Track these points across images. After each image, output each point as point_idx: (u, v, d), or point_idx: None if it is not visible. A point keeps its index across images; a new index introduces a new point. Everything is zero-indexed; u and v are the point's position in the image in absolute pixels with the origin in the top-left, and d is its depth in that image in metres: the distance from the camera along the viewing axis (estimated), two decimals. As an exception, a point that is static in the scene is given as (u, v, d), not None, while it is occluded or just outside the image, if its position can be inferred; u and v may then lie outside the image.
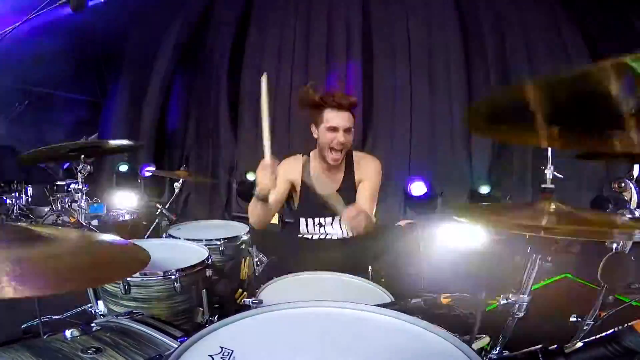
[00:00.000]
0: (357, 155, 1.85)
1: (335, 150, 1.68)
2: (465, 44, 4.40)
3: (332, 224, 1.81)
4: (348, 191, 1.76)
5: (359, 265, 1.59)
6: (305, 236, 1.87)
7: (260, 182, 1.46)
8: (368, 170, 1.81)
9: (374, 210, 1.82)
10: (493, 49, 4.34)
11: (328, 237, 1.83)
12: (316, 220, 1.81)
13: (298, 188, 1.85)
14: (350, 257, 1.66)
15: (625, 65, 0.64)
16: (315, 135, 1.77)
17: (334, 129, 1.67)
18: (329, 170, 1.81)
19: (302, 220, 1.85)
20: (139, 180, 4.65)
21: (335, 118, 1.67)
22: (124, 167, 4.78)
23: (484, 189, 3.98)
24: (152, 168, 4.63)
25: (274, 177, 1.43)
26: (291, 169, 1.84)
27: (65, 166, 4.67)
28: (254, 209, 1.63)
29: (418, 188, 3.94)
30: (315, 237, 1.85)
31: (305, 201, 1.83)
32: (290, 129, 4.76)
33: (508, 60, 4.28)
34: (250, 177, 4.48)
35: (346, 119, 1.67)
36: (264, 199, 1.54)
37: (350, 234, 1.81)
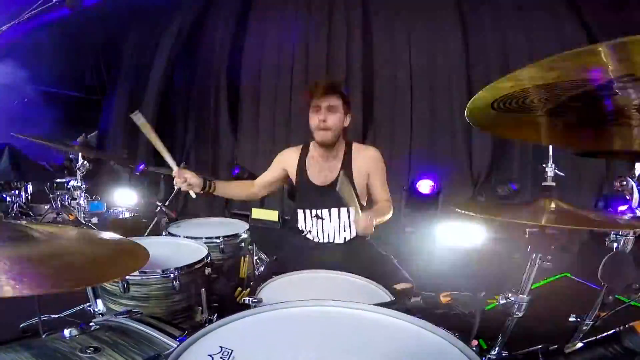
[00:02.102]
0: (356, 146, 1.86)
1: (320, 128, 1.74)
2: (465, 42, 4.40)
3: (329, 216, 1.80)
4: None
5: (360, 269, 1.57)
6: (306, 236, 1.86)
7: (182, 189, 1.78)
8: (369, 162, 1.82)
9: (388, 196, 1.83)
10: (494, 47, 4.34)
11: (328, 240, 1.82)
12: (313, 212, 1.82)
13: (294, 177, 1.89)
14: (351, 261, 1.64)
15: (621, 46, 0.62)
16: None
17: (317, 109, 1.74)
18: (327, 159, 1.83)
19: (299, 213, 1.87)
20: (136, 178, 4.63)
21: (318, 100, 1.75)
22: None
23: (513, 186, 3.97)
24: (142, 166, 4.62)
25: (187, 181, 1.74)
26: (287, 158, 1.93)
27: (59, 162, 4.65)
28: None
29: (425, 187, 3.93)
30: (315, 239, 1.84)
31: (301, 191, 1.88)
32: (291, 127, 4.76)
33: (509, 58, 4.28)
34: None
35: (329, 100, 1.74)
36: (207, 194, 1.82)
37: (350, 237, 1.80)
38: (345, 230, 1.80)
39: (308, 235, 1.86)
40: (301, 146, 1.93)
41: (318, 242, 1.83)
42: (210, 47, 5.29)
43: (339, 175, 1.58)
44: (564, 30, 4.06)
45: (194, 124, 5.49)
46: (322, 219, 1.81)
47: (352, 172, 1.79)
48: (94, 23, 4.90)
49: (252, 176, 3.95)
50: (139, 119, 1.65)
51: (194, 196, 1.80)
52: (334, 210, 1.79)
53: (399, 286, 1.34)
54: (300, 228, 1.88)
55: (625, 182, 1.30)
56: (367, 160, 1.82)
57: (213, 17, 5.28)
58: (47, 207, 3.85)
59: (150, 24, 5.35)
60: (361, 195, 1.81)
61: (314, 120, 1.75)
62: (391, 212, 1.77)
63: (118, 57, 5.60)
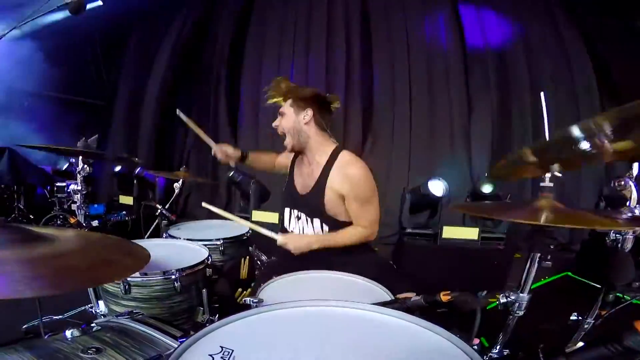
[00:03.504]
0: (343, 157, 1.68)
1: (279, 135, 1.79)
2: (463, 46, 4.42)
3: (307, 222, 1.77)
4: (316, 195, 1.69)
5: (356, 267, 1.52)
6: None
7: (222, 161, 2.08)
8: (344, 182, 1.63)
9: (376, 218, 1.68)
10: (491, 49, 4.35)
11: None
12: (294, 212, 1.82)
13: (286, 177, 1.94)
14: (348, 260, 1.62)
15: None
16: None
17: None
18: (303, 165, 1.82)
19: (285, 210, 1.87)
20: (134, 181, 4.64)
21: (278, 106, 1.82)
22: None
23: (487, 188, 3.98)
24: (140, 169, 4.64)
25: (227, 154, 2.05)
26: (289, 157, 1.97)
27: (64, 167, 4.66)
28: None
29: (436, 187, 3.92)
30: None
31: (286, 191, 1.90)
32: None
33: (506, 60, 4.30)
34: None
35: (282, 106, 1.79)
36: (243, 160, 2.10)
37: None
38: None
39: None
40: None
41: None
42: (210, 49, 5.30)
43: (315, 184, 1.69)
44: (562, 34, 4.08)
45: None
46: (301, 220, 1.80)
47: (324, 190, 1.66)
48: (94, 26, 4.92)
49: (247, 176, 3.97)
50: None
51: (232, 165, 2.09)
52: (312, 220, 1.76)
53: (402, 295, 1.33)
54: (285, 226, 1.88)
55: (623, 182, 1.31)
56: (343, 179, 1.63)
57: (213, 20, 5.29)
58: (47, 210, 3.86)
59: (151, 27, 5.36)
60: (334, 210, 1.69)
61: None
62: (360, 239, 1.66)
63: (119, 61, 5.61)
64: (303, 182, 1.80)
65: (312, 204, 1.72)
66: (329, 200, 1.66)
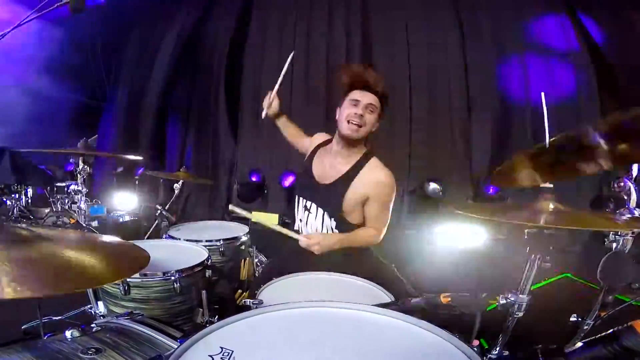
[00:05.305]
0: (373, 163, 1.73)
1: (352, 123, 1.64)
2: (463, 45, 4.43)
3: (315, 214, 1.75)
4: (340, 187, 1.70)
5: (357, 270, 1.49)
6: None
7: (265, 105, 1.99)
8: (371, 186, 1.69)
9: (387, 224, 1.74)
10: (491, 50, 4.36)
11: None
12: (303, 201, 1.80)
13: (305, 158, 1.91)
14: (348, 263, 1.60)
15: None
16: (337, 116, 1.75)
17: (355, 102, 1.66)
18: (335, 156, 1.77)
19: (296, 198, 1.85)
20: (136, 182, 4.65)
21: (358, 94, 1.67)
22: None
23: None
24: (141, 170, 4.65)
25: (272, 102, 1.99)
26: (317, 138, 1.95)
27: (68, 168, 4.66)
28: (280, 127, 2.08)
29: (436, 189, 3.93)
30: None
31: (301, 177, 1.90)
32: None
33: (506, 56, 4.30)
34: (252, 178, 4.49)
35: (370, 98, 1.66)
36: (273, 118, 2.05)
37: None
38: (327, 232, 1.74)
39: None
40: (329, 137, 1.88)
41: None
42: (210, 48, 5.30)
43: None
44: (562, 27, 4.09)
45: (194, 126, 5.49)
46: (309, 211, 1.78)
47: (349, 186, 1.69)
48: (94, 26, 4.93)
49: (263, 180, 3.99)
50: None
51: (263, 116, 2.02)
52: (320, 210, 1.75)
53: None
54: (295, 217, 1.86)
55: (622, 184, 1.31)
56: (370, 183, 1.69)
57: (214, 19, 5.29)
58: (47, 210, 3.85)
59: (151, 27, 5.36)
60: (350, 212, 1.71)
61: (348, 112, 1.65)
62: (372, 242, 1.72)
63: (119, 61, 5.61)
64: (323, 172, 1.78)
65: (331, 195, 1.70)
66: (350, 198, 1.68)
